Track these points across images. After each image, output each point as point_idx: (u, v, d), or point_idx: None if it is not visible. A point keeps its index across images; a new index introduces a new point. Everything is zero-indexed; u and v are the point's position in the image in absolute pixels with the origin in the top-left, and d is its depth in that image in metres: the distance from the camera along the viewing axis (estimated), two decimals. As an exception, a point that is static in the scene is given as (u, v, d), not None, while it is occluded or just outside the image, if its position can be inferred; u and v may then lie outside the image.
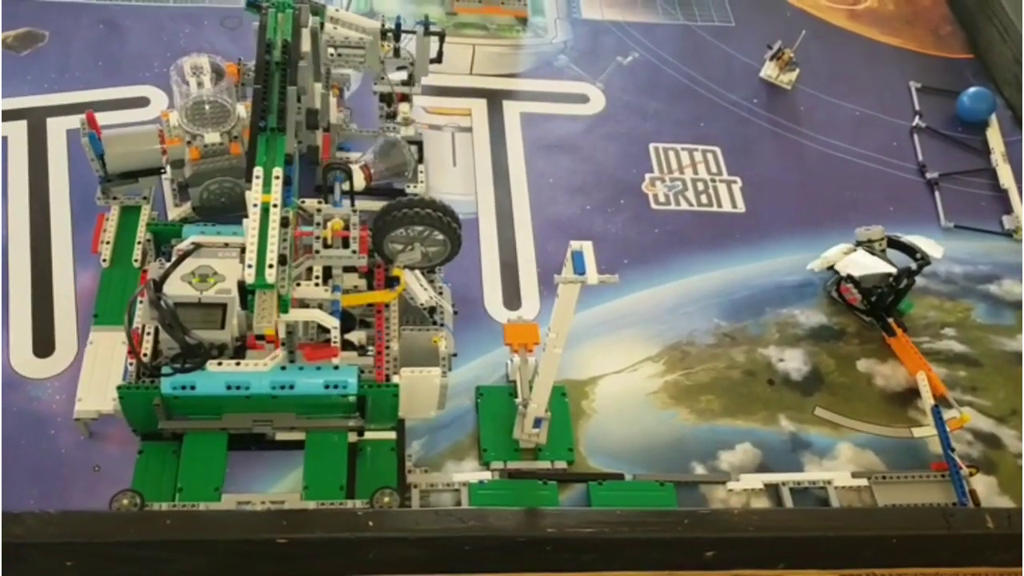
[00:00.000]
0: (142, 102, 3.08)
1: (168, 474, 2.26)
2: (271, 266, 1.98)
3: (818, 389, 2.72)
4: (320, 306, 2.28)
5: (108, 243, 2.56)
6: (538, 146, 3.19)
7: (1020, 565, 2.30)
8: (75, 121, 2.70)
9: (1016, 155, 3.38)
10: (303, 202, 2.34)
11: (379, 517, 2.17)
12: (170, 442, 2.30)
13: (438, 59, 2.84)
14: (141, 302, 2.26)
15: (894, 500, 2.48)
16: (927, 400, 2.61)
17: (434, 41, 2.79)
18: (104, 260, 2.54)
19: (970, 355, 2.85)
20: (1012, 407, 2.74)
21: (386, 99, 2.90)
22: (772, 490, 2.48)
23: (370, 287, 2.43)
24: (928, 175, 3.29)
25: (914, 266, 2.78)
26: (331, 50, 2.71)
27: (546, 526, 2.21)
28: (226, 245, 2.28)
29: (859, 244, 2.84)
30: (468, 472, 2.42)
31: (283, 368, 2.21)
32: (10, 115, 2.98)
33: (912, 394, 2.71)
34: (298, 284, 2.25)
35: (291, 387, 2.20)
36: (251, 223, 2.02)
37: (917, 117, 3.48)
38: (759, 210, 3.11)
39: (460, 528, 2.18)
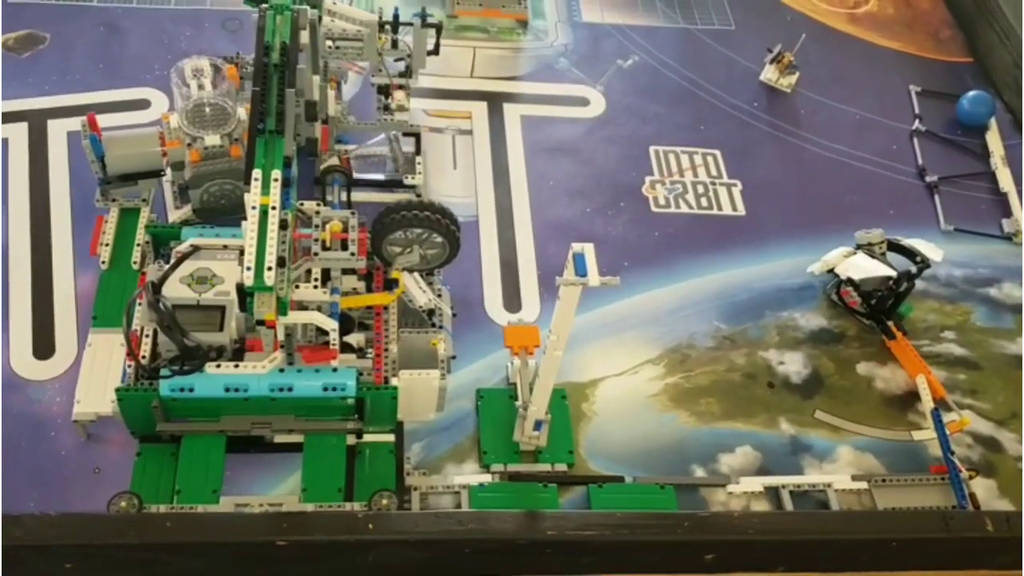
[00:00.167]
0: (143, 104, 3.08)
1: (166, 476, 2.26)
2: (270, 268, 1.98)
3: (818, 392, 2.71)
4: (319, 308, 2.27)
5: (107, 245, 2.56)
6: (538, 149, 3.19)
7: (1020, 568, 2.30)
8: (76, 123, 2.71)
9: (1016, 159, 3.37)
10: (302, 204, 2.34)
11: (379, 519, 2.16)
12: (168, 444, 2.30)
13: (435, 51, 2.84)
14: (140, 304, 2.26)
15: (894, 503, 2.48)
16: (927, 403, 2.61)
17: (431, 33, 2.79)
18: (103, 262, 2.54)
19: (970, 358, 2.85)
20: (1012, 410, 2.74)
21: (383, 91, 2.90)
22: (772, 493, 2.48)
23: (369, 289, 2.43)
24: (928, 178, 3.29)
25: (914, 269, 2.78)
26: (329, 43, 2.72)
27: (546, 528, 2.20)
28: (225, 247, 2.29)
29: (859, 247, 2.84)
30: (468, 475, 2.42)
31: (282, 370, 2.21)
32: (11, 117, 2.98)
33: (912, 397, 2.71)
34: (297, 286, 2.25)
35: (290, 389, 2.20)
36: (250, 225, 2.02)
37: (917, 121, 3.48)
38: (759, 213, 3.11)
39: (460, 531, 2.18)
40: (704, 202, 3.12)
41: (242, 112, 2.55)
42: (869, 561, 2.35)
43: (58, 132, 2.96)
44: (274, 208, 2.05)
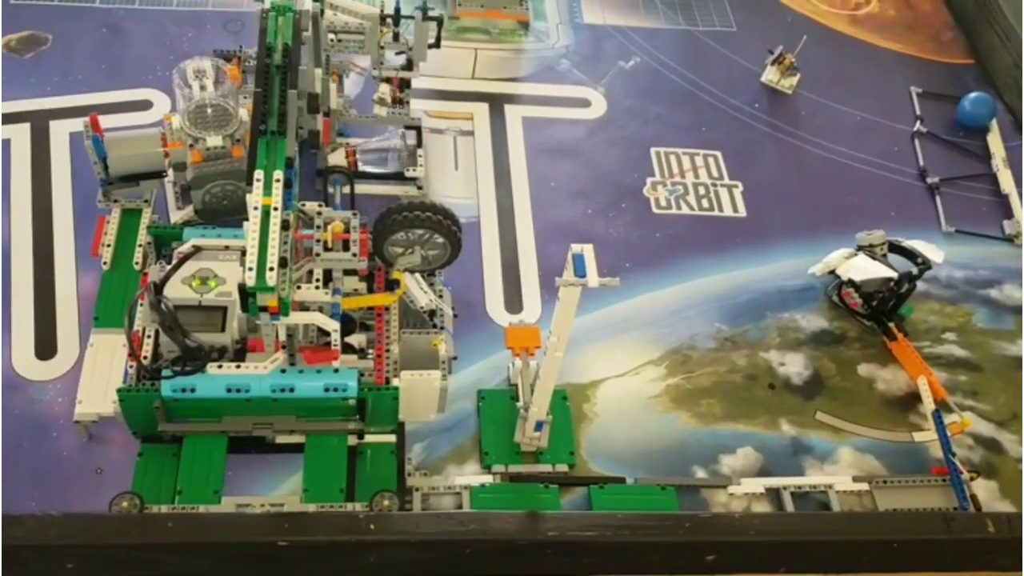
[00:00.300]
0: (145, 105, 3.09)
1: (168, 477, 2.26)
2: (272, 269, 1.98)
3: (819, 393, 2.71)
4: (320, 309, 2.27)
5: (109, 246, 2.56)
6: (539, 150, 3.20)
7: (1021, 570, 2.30)
8: (78, 124, 2.71)
9: (1017, 160, 3.37)
10: (304, 205, 2.34)
11: (380, 520, 2.17)
12: (170, 445, 2.30)
13: (436, 44, 2.85)
14: (141, 305, 2.27)
15: (895, 504, 2.48)
16: (928, 404, 2.61)
17: (432, 26, 2.80)
18: (104, 263, 2.54)
19: (971, 360, 2.85)
20: (1013, 411, 2.74)
21: (388, 84, 2.92)
22: (773, 494, 2.48)
23: (370, 290, 2.43)
24: (929, 180, 3.29)
25: (915, 271, 2.78)
26: (331, 36, 2.74)
27: (547, 529, 2.20)
28: (227, 248, 2.29)
29: (860, 249, 2.84)
30: (469, 475, 2.42)
31: (283, 371, 2.21)
32: (13, 118, 2.98)
33: (913, 398, 2.71)
34: (298, 287, 2.26)
35: (291, 390, 2.20)
36: (252, 226, 2.03)
37: (918, 122, 3.48)
38: (760, 214, 3.11)
39: (461, 531, 2.18)
40: (705, 203, 3.12)
41: (244, 113, 2.55)
42: (870, 562, 2.35)
43: (60, 133, 2.97)
44: (276, 209, 2.05)
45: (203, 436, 2.29)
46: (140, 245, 2.55)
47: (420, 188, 2.95)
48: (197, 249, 2.26)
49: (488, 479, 2.41)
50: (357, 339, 2.36)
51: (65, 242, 2.72)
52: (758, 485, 2.48)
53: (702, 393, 2.67)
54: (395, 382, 2.27)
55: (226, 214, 2.59)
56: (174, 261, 2.25)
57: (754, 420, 2.63)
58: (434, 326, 2.45)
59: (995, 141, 3.44)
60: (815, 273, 2.91)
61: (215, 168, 2.53)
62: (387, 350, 2.35)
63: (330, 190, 2.69)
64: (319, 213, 2.30)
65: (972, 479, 2.50)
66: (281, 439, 2.35)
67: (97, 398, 2.32)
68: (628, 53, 3.57)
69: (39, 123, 2.99)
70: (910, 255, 2.81)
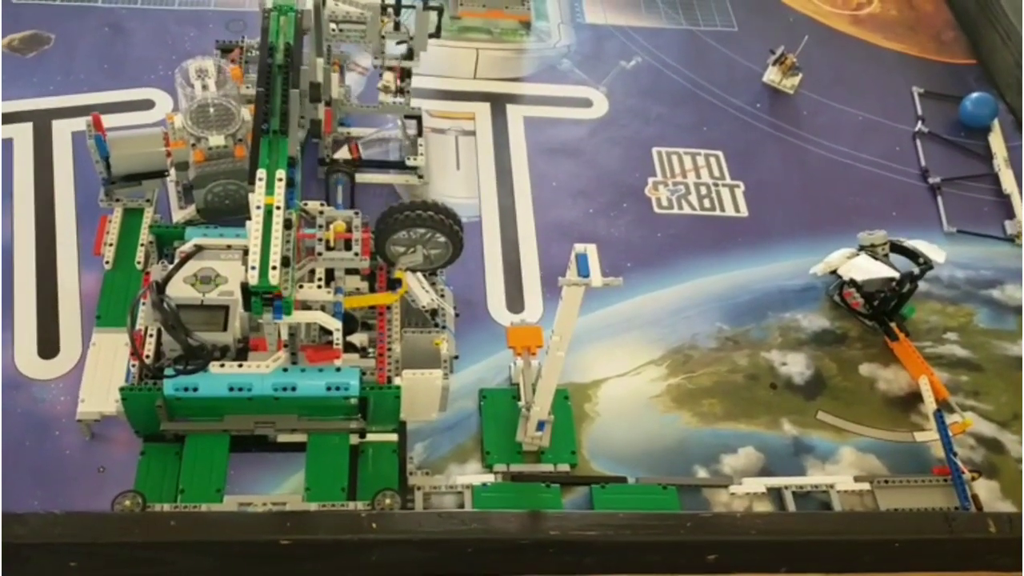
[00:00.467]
0: (147, 104, 3.09)
1: (170, 475, 2.27)
2: (274, 268, 1.98)
3: (820, 393, 2.71)
4: (322, 308, 2.28)
5: (111, 245, 2.56)
6: (541, 150, 3.20)
7: (1022, 570, 2.30)
8: (80, 123, 2.71)
9: (1018, 160, 3.37)
10: (306, 204, 2.34)
11: (382, 519, 2.17)
12: (172, 443, 2.31)
13: (437, 33, 2.86)
14: (144, 304, 2.27)
15: (896, 504, 2.48)
16: (929, 404, 2.61)
17: (433, 16, 2.80)
18: (107, 262, 2.55)
19: (972, 360, 2.85)
20: (1014, 412, 2.74)
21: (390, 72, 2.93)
22: (774, 494, 2.48)
23: (372, 289, 2.43)
24: (931, 180, 3.29)
25: (916, 271, 2.78)
26: (333, 25, 2.75)
27: (549, 529, 2.21)
28: (229, 247, 2.29)
29: (862, 248, 2.84)
30: (471, 475, 2.42)
31: (285, 370, 2.21)
32: (16, 117, 2.99)
33: (914, 398, 2.71)
34: (301, 286, 2.26)
35: (293, 389, 2.20)
36: (254, 225, 2.03)
37: (920, 122, 3.48)
38: (762, 214, 3.12)
39: (463, 530, 2.18)
40: (707, 203, 3.12)
41: (246, 112, 2.56)
42: (871, 562, 2.36)
43: (63, 132, 2.97)
44: (278, 208, 2.05)
45: (205, 435, 2.29)
46: (142, 244, 2.56)
47: (421, 177, 2.95)
48: (199, 248, 2.26)
49: (490, 478, 2.41)
50: (359, 338, 2.36)
51: (67, 241, 2.72)
52: (759, 485, 2.48)
53: (703, 393, 2.68)
54: (397, 381, 2.28)
55: (228, 213, 2.59)
56: (176, 260, 2.25)
57: (755, 420, 2.64)
58: (436, 325, 2.45)
59: (997, 141, 3.44)
60: (817, 273, 2.91)
61: (217, 167, 2.53)
62: (389, 349, 2.35)
63: (335, 184, 2.70)
64: (321, 212, 2.31)
65: (973, 479, 2.50)
66: (283, 438, 2.35)
67: (99, 397, 2.32)
68: (630, 53, 3.58)
69: (41, 122, 2.99)
70: (912, 255, 2.82)
